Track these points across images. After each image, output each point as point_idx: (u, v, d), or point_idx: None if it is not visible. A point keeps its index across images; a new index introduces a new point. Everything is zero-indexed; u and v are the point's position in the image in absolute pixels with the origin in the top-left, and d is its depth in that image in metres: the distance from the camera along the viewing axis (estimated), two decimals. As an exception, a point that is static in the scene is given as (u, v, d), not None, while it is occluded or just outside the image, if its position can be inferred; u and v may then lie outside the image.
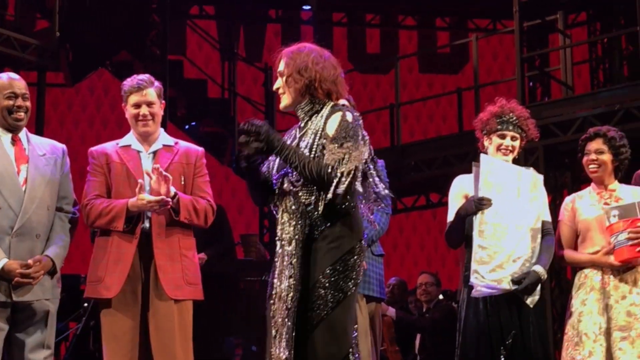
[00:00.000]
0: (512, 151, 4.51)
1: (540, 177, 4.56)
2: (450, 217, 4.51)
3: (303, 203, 3.48)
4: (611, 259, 4.51)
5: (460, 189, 4.55)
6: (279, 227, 3.53)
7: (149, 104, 4.40)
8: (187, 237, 4.40)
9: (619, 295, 4.50)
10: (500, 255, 4.28)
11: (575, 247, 4.68)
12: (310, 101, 3.62)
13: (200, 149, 4.57)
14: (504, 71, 14.44)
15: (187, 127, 11.59)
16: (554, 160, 9.20)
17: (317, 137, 3.50)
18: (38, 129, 8.92)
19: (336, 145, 3.41)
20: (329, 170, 3.36)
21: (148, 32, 11.08)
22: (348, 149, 3.41)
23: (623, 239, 4.44)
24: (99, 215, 4.31)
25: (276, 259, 3.49)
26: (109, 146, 4.48)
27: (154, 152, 4.44)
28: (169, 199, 4.22)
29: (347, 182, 3.37)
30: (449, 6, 13.46)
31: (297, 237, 3.45)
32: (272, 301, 3.45)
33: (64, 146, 4.48)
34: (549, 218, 4.52)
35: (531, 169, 4.60)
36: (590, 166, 4.68)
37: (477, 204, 4.29)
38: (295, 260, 3.42)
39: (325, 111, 3.57)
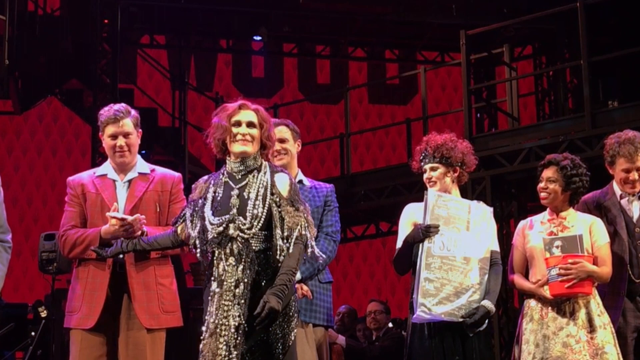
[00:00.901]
0: (435, 182, 4.53)
1: (490, 209, 4.61)
2: (400, 243, 4.57)
3: (253, 250, 3.74)
4: (546, 291, 4.60)
5: (409, 217, 4.59)
6: (221, 269, 3.73)
7: (126, 135, 4.45)
8: (163, 266, 4.44)
9: (557, 326, 4.55)
10: (448, 288, 4.31)
11: (527, 272, 4.76)
12: (254, 158, 3.92)
13: (177, 175, 4.62)
14: (452, 102, 14.65)
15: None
16: (500, 190, 9.34)
17: (269, 193, 3.83)
18: (-14, 157, 8.83)
19: (292, 208, 3.82)
20: (302, 244, 3.80)
21: (98, 61, 11.07)
22: (303, 212, 3.84)
23: (555, 274, 4.52)
24: (73, 244, 4.35)
25: (210, 297, 3.71)
26: (86, 176, 4.54)
27: (129, 181, 4.48)
28: (142, 219, 4.24)
29: (311, 244, 3.85)
30: (398, 38, 13.63)
31: (245, 280, 3.69)
32: (203, 337, 3.68)
33: None
34: (497, 248, 4.56)
35: (481, 202, 4.66)
36: (541, 194, 4.76)
37: (424, 232, 4.34)
38: (243, 301, 3.66)
39: (266, 169, 3.91)
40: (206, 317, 3.70)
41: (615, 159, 4.85)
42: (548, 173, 4.73)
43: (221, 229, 3.75)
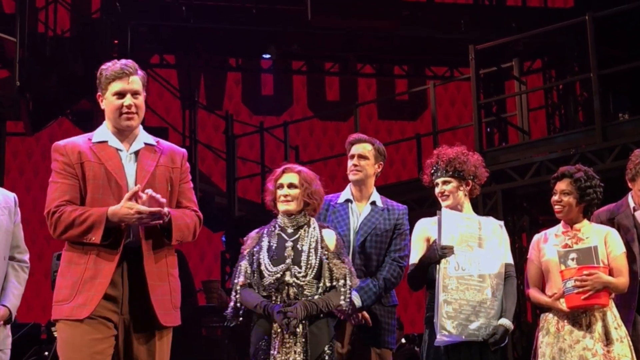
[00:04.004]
0: (447, 196, 4.54)
1: (501, 223, 4.61)
2: (413, 259, 4.56)
3: (306, 295, 4.22)
4: (563, 304, 4.58)
5: (422, 232, 4.60)
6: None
7: (134, 94, 3.76)
8: (172, 254, 3.84)
9: (573, 339, 4.53)
10: (466, 308, 4.32)
11: (543, 285, 4.74)
12: (303, 214, 4.38)
13: (184, 150, 3.99)
14: (461, 117, 14.64)
15: (148, 174, 11.56)
16: (511, 204, 9.32)
17: (319, 246, 4.31)
18: (-2, 178, 8.87)
19: (339, 260, 4.30)
20: (342, 288, 4.26)
21: (109, 81, 11.09)
22: (347, 264, 4.33)
23: (570, 286, 4.51)
24: (71, 224, 3.61)
25: (274, 337, 4.17)
26: (80, 141, 3.77)
27: (136, 153, 3.78)
28: (165, 213, 3.63)
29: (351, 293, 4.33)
30: (406, 54, 13.65)
31: (303, 321, 4.17)
32: None
33: (14, 195, 4.42)
34: (511, 261, 4.57)
35: (490, 217, 4.65)
36: (555, 207, 4.73)
37: (440, 253, 4.34)
38: (304, 340, 4.16)
39: (315, 225, 4.38)
40: (271, 352, 4.16)
41: (637, 177, 4.84)
42: (562, 185, 4.71)
43: (279, 275, 4.23)
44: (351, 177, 4.83)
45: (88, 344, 3.57)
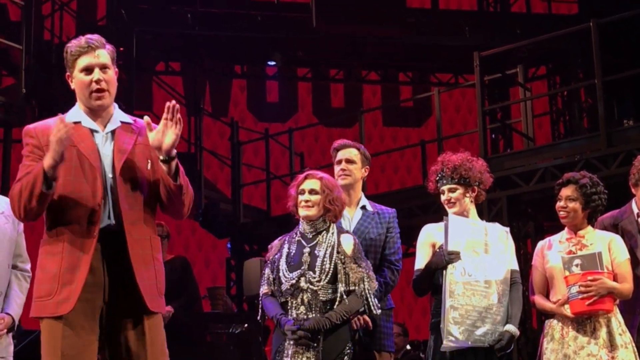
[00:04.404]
0: (454, 203, 4.55)
1: (506, 229, 4.63)
2: (418, 264, 4.57)
3: (321, 300, 4.31)
4: (567, 310, 4.58)
5: (427, 238, 4.61)
6: (294, 315, 4.31)
7: (103, 68, 3.51)
8: (155, 237, 3.57)
9: (578, 345, 4.54)
10: (472, 314, 4.33)
11: (548, 292, 4.75)
12: (323, 220, 4.45)
13: None
14: (466, 123, 14.64)
15: (153, 181, 11.60)
16: (516, 210, 9.31)
17: (335, 251, 4.37)
18: (4, 185, 8.89)
19: (356, 265, 4.36)
20: (359, 294, 4.35)
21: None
22: (365, 268, 4.39)
23: (575, 291, 4.51)
24: (19, 192, 3.35)
25: (289, 342, 4.27)
26: (52, 123, 3.47)
27: (112, 132, 3.53)
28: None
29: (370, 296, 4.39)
30: (411, 61, 13.67)
31: (319, 337, 4.25)
32: None
33: None
34: (516, 267, 4.57)
35: (496, 223, 4.66)
36: (560, 212, 4.74)
37: (447, 259, 4.35)
38: (315, 344, 4.25)
39: (334, 230, 4.45)
40: (285, 358, 4.29)
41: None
42: (567, 192, 4.71)
43: (294, 281, 4.33)
44: (340, 181, 4.85)
45: (73, 342, 3.36)
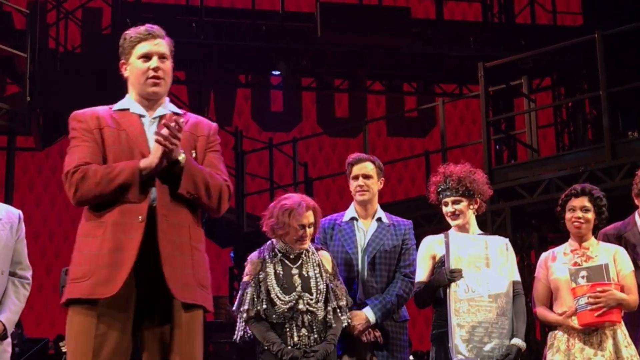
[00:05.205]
0: (458, 215, 4.53)
1: (506, 240, 4.61)
2: (419, 277, 4.56)
3: (319, 320, 4.35)
4: (575, 322, 4.56)
5: (427, 250, 4.60)
6: (296, 339, 4.32)
7: (162, 57, 3.44)
8: (197, 228, 3.39)
9: (584, 357, 4.51)
10: (479, 330, 4.32)
11: (551, 304, 4.73)
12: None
13: (214, 124, 3.60)
14: (470, 134, 14.66)
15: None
16: (520, 221, 9.30)
17: (323, 271, 4.44)
18: (7, 193, 8.90)
19: (338, 281, 4.48)
20: (339, 310, 4.43)
21: (119, 97, 11.16)
22: (342, 283, 4.50)
23: (583, 303, 4.49)
24: (98, 182, 3.22)
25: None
26: (100, 109, 3.46)
27: (160, 118, 3.41)
28: (180, 122, 3.22)
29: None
30: (416, 71, 13.69)
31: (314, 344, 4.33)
32: None
33: (20, 212, 4.40)
34: (518, 278, 4.55)
35: (496, 236, 4.66)
36: (575, 223, 4.69)
37: (449, 277, 4.35)
38: None
39: (312, 248, 4.50)
40: None
41: None
42: (582, 202, 4.68)
43: (292, 304, 4.32)
44: (358, 197, 4.84)
45: (105, 335, 3.16)
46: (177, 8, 13.20)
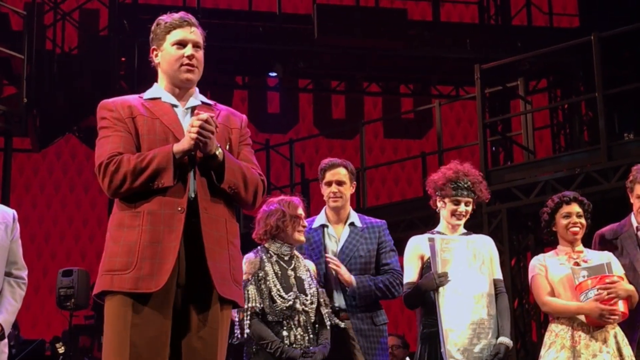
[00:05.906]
0: (465, 216, 4.59)
1: (489, 239, 4.66)
2: (408, 277, 4.58)
3: (312, 322, 4.42)
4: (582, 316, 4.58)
5: (415, 250, 4.62)
6: (292, 337, 4.36)
7: (196, 46, 3.40)
8: (233, 222, 3.35)
9: (590, 353, 4.52)
10: (467, 332, 4.36)
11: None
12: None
13: (244, 116, 3.55)
14: (467, 136, 14.67)
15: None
16: (516, 223, 9.31)
17: (312, 276, 4.52)
18: (4, 194, 8.90)
19: (322, 288, 4.54)
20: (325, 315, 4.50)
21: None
22: (324, 292, 4.56)
23: (592, 296, 4.52)
24: (132, 171, 3.12)
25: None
26: (130, 98, 3.40)
27: (192, 109, 3.36)
28: (212, 117, 3.19)
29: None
30: (412, 73, 13.70)
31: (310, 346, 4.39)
32: None
33: (14, 212, 4.39)
34: (500, 276, 4.58)
35: (479, 235, 4.69)
36: (573, 228, 4.73)
37: (437, 281, 4.37)
38: None
39: (298, 254, 4.57)
40: None
41: (633, 185, 4.86)
42: (576, 208, 4.75)
43: (291, 302, 4.36)
44: (331, 204, 4.82)
45: (144, 330, 3.08)
46: (174, 9, 13.17)
